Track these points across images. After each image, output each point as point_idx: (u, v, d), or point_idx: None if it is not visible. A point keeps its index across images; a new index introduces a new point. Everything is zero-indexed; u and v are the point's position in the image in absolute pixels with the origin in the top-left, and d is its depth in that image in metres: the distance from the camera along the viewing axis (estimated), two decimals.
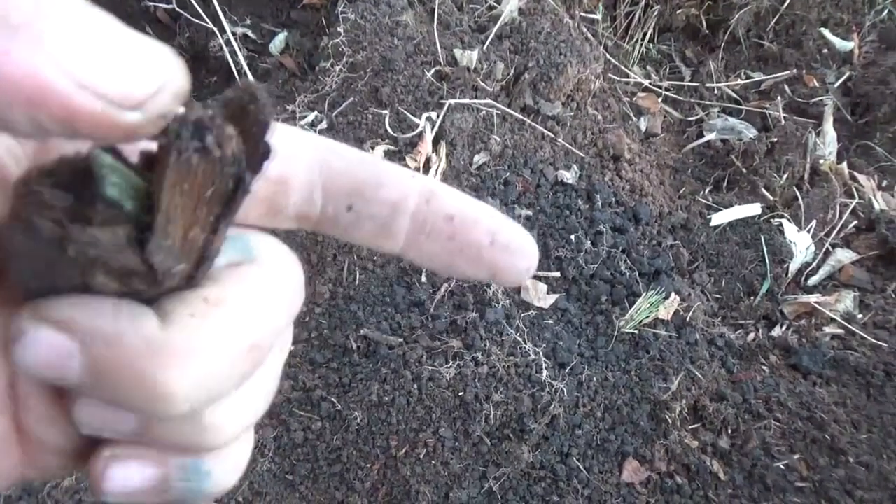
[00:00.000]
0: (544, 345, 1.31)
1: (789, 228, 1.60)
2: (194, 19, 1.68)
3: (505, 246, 0.26)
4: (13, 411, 0.23)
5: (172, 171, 0.19)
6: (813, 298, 1.51)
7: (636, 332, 1.36)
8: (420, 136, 1.46)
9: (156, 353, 0.19)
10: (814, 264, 1.59)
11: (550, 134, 1.56)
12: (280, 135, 0.24)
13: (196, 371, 0.20)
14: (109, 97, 0.17)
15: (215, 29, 1.64)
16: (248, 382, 0.23)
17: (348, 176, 0.26)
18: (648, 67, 2.00)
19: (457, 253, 0.27)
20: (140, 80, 0.17)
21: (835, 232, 1.62)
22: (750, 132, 1.80)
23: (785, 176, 1.67)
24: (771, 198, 1.67)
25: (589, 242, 1.44)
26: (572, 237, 1.44)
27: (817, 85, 1.92)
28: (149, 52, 0.18)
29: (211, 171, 0.19)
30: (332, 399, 1.26)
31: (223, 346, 0.21)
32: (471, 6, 1.72)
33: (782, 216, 1.63)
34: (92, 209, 0.19)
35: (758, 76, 1.97)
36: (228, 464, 0.24)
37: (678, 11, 2.02)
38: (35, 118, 0.16)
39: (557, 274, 1.41)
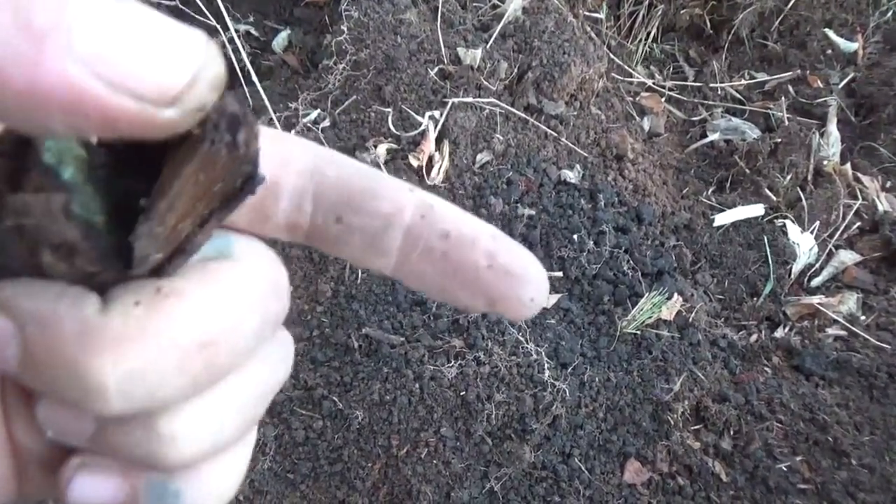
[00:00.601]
0: (546, 345, 1.31)
1: (792, 229, 1.60)
2: (197, 16, 1.67)
3: (505, 270, 0.23)
4: (5, 418, 0.23)
5: (198, 159, 0.18)
6: (816, 300, 1.51)
7: (638, 332, 1.36)
8: (423, 134, 1.46)
9: (88, 338, 0.18)
10: (817, 265, 1.59)
11: (553, 133, 1.56)
12: (273, 139, 0.24)
13: (131, 362, 0.18)
14: (145, 96, 0.16)
15: (218, 26, 1.64)
16: (212, 392, 0.21)
17: (340, 186, 0.24)
18: (652, 67, 2.00)
19: (451, 275, 0.24)
20: (174, 73, 0.16)
21: (838, 233, 1.62)
22: (753, 133, 1.79)
23: (788, 177, 1.67)
24: (774, 199, 1.66)
25: (592, 242, 1.44)
26: (575, 237, 1.43)
27: (821, 86, 1.92)
28: (180, 40, 0.16)
29: (230, 166, 0.19)
30: (334, 398, 1.26)
31: (167, 339, 0.19)
32: (474, 4, 1.72)
33: (786, 217, 1.63)
34: (27, 176, 0.18)
35: (761, 77, 1.97)
36: (203, 488, 0.22)
37: (682, 11, 2.02)
38: (73, 124, 0.16)
39: (560, 274, 1.40)
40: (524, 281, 0.23)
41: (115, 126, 0.16)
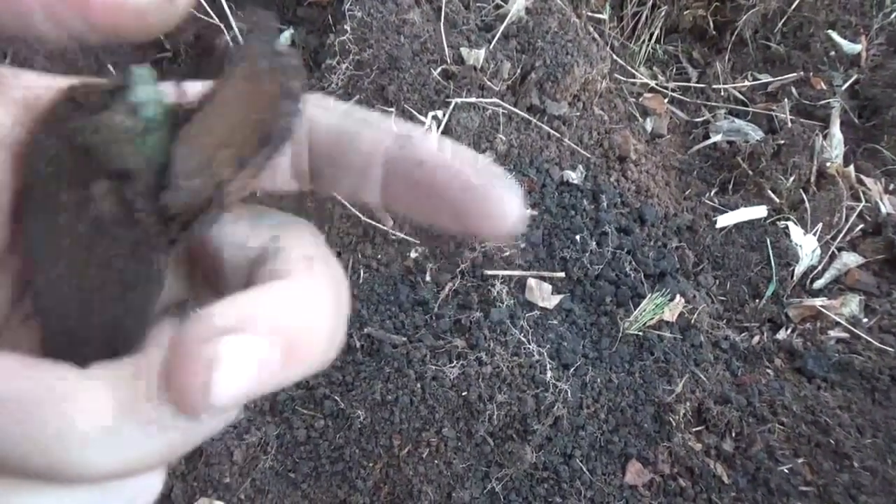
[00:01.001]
0: (548, 345, 1.31)
1: (795, 231, 1.60)
2: (200, 15, 1.67)
3: (479, 190, 0.24)
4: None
5: (241, 72, 0.19)
6: (818, 302, 1.50)
7: (640, 333, 1.36)
8: None
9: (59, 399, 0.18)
10: (819, 267, 1.58)
11: (556, 134, 1.56)
12: None
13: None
14: None
15: (221, 25, 1.64)
16: None
17: (330, 130, 0.26)
18: (655, 68, 2.00)
19: (430, 199, 0.25)
20: None
21: (841, 235, 1.62)
22: (756, 134, 1.79)
23: (791, 178, 1.67)
24: (777, 200, 1.66)
25: (594, 243, 1.43)
26: (577, 238, 1.43)
27: (824, 87, 1.91)
28: None
29: (270, 90, 0.19)
30: (335, 397, 1.26)
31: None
32: (477, 5, 1.72)
33: (788, 219, 1.62)
34: (110, 109, 0.19)
35: (765, 78, 1.96)
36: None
37: (685, 12, 2.01)
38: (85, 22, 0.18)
39: (562, 274, 1.40)
40: (499, 201, 0.24)
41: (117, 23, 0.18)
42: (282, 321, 0.20)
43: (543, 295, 1.37)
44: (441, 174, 0.24)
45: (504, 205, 0.24)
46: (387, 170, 0.25)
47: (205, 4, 1.63)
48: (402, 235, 1.44)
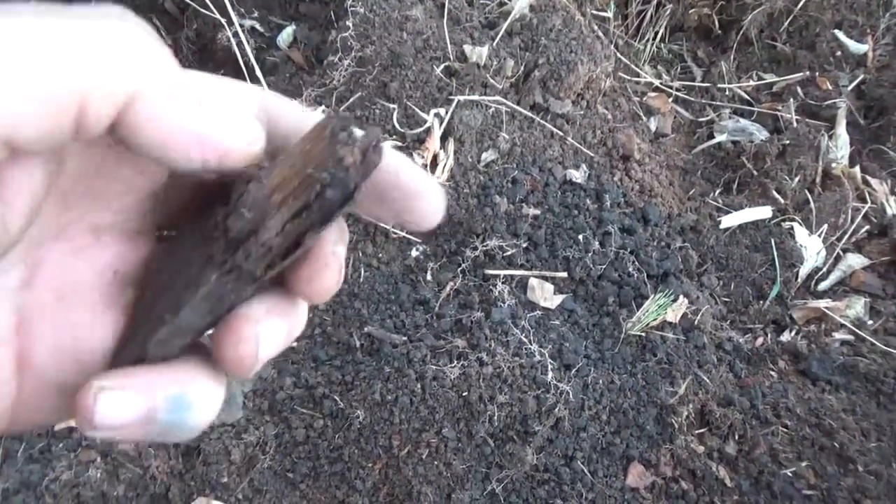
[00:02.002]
0: (550, 346, 1.29)
1: (800, 232, 1.58)
2: (202, 10, 1.66)
3: (406, 187, 0.30)
4: (18, 346, 0.26)
5: (309, 133, 0.26)
6: (823, 304, 1.49)
7: (643, 334, 1.35)
8: (428, 132, 1.44)
9: None
10: (824, 269, 1.57)
11: (560, 132, 1.54)
12: (230, 89, 0.30)
13: None
14: (245, 141, 0.26)
15: (223, 21, 1.62)
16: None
17: (288, 128, 0.30)
18: (659, 67, 1.98)
19: (368, 195, 0.30)
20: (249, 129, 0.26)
21: (846, 236, 1.60)
22: (761, 134, 1.77)
23: (796, 179, 1.65)
24: (782, 201, 1.64)
25: (597, 243, 1.42)
26: (580, 237, 1.42)
27: (830, 87, 1.90)
28: (243, 116, 0.26)
29: (328, 151, 0.25)
30: (335, 397, 1.25)
31: None
32: (481, 2, 1.70)
33: (793, 220, 1.61)
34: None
35: (770, 78, 1.95)
36: (209, 398, 0.26)
37: (690, 11, 2.00)
38: (206, 162, 0.25)
39: (564, 274, 1.39)
40: (420, 195, 0.30)
41: (228, 160, 0.26)
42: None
43: (545, 295, 1.36)
44: (378, 174, 0.29)
45: (427, 199, 0.30)
46: None
47: (207, 0, 1.62)
48: (403, 234, 1.43)
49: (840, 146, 1.71)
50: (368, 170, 0.25)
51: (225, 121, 0.25)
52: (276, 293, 0.28)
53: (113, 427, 0.24)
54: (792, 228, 1.59)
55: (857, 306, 1.49)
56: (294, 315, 0.28)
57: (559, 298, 1.36)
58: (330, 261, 0.27)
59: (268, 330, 0.26)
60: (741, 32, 1.98)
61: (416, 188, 0.30)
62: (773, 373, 1.38)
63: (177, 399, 0.25)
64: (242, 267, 0.25)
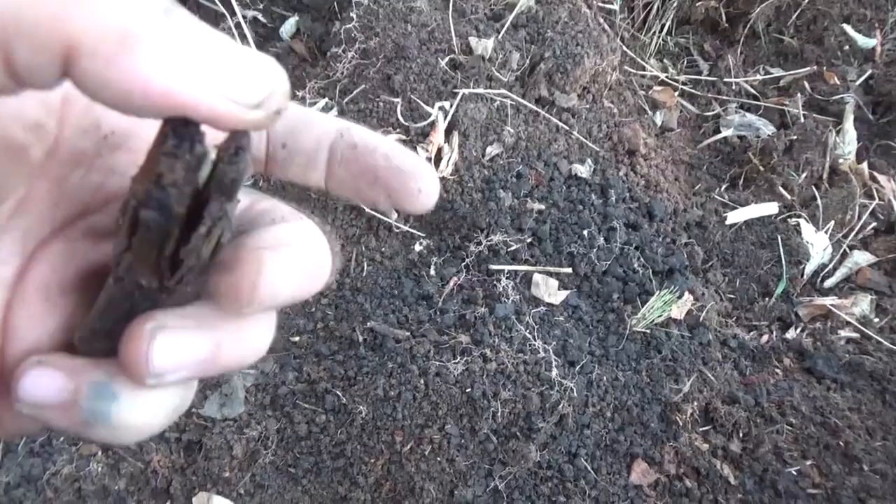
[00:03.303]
0: (554, 342, 1.28)
1: (806, 229, 1.57)
2: (204, 1, 1.65)
3: (398, 168, 0.30)
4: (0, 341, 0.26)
5: (161, 138, 0.23)
6: (829, 301, 1.48)
7: (648, 331, 1.34)
8: (432, 125, 1.43)
9: None
10: (830, 266, 1.56)
11: (565, 126, 1.53)
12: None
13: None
14: (240, 101, 0.22)
15: (225, 12, 1.61)
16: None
17: (285, 121, 0.31)
18: (665, 61, 1.96)
19: (359, 176, 0.31)
20: (259, 86, 0.23)
21: (853, 233, 1.59)
22: (768, 129, 1.76)
23: (803, 175, 1.64)
24: (788, 197, 1.63)
25: (602, 238, 1.41)
26: (585, 233, 1.41)
27: (838, 82, 1.88)
28: (261, 63, 0.23)
29: (149, 166, 0.23)
30: (337, 392, 1.24)
31: None
32: None
33: (800, 216, 1.60)
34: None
35: (777, 72, 1.93)
36: (140, 397, 0.25)
37: (697, 4, 1.98)
38: (194, 117, 0.22)
39: (569, 270, 1.38)
40: (412, 175, 0.30)
41: (217, 122, 0.22)
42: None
43: (550, 290, 1.35)
44: (370, 155, 0.31)
45: (419, 180, 0.30)
46: (330, 153, 0.31)
47: None
48: (407, 228, 1.42)
49: (847, 142, 1.70)
50: (222, 186, 0.23)
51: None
52: (207, 304, 0.26)
53: (35, 403, 0.25)
54: (798, 225, 1.58)
55: (863, 304, 1.48)
56: (223, 329, 0.26)
57: (563, 294, 1.35)
58: (240, 267, 0.25)
59: (172, 335, 0.24)
60: (748, 26, 1.96)
61: (409, 169, 0.30)
62: (778, 370, 1.38)
63: (101, 387, 0.25)
64: (124, 277, 0.24)
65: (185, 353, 0.25)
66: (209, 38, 0.21)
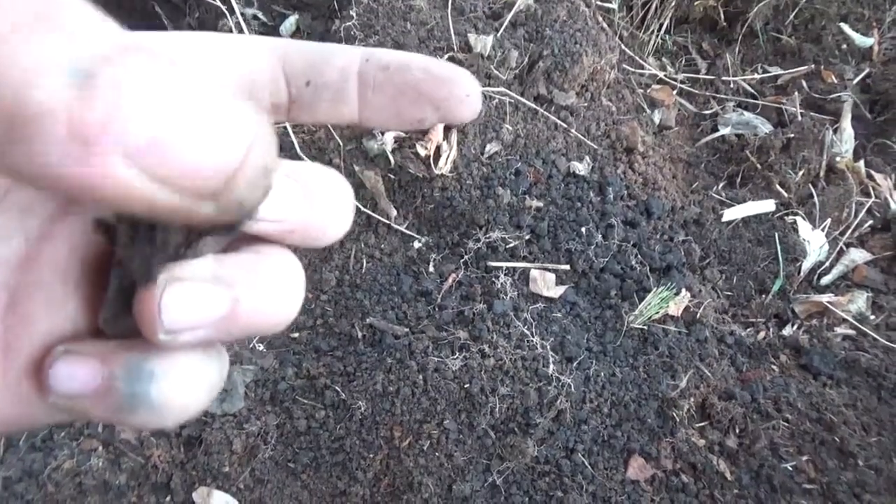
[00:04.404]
0: (552, 338, 1.29)
1: (803, 226, 1.58)
2: None
3: (439, 77, 0.29)
4: (4, 327, 0.24)
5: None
6: (825, 298, 1.49)
7: (645, 327, 1.34)
8: None
9: None
10: (827, 263, 1.57)
11: (563, 124, 1.54)
12: (241, 42, 0.29)
13: None
14: (187, 191, 0.17)
15: (225, 9, 1.61)
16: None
17: (303, 58, 0.30)
18: (664, 59, 1.97)
19: (399, 97, 0.30)
20: (212, 169, 0.17)
21: (849, 231, 1.60)
22: (765, 127, 1.77)
23: (800, 173, 1.64)
24: (785, 195, 1.64)
25: (600, 235, 1.42)
26: (583, 230, 1.41)
27: (835, 81, 1.89)
28: (226, 127, 0.17)
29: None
30: (336, 388, 1.25)
31: None
32: None
33: (796, 214, 1.60)
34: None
35: (775, 71, 1.94)
36: (177, 372, 0.23)
37: (695, 3, 1.98)
38: (122, 209, 0.17)
39: (567, 267, 1.39)
40: (456, 82, 0.29)
41: (157, 214, 0.17)
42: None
43: (548, 287, 1.36)
44: (405, 72, 0.29)
45: (465, 85, 0.29)
46: (360, 81, 0.30)
47: None
48: (404, 230, 1.43)
49: (844, 140, 1.71)
50: None
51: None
52: (226, 258, 0.24)
53: (70, 394, 0.23)
54: (795, 222, 1.58)
55: (859, 301, 1.48)
56: (242, 285, 0.24)
57: (561, 291, 1.36)
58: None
59: (185, 286, 0.22)
60: (746, 25, 1.97)
61: (452, 76, 0.29)
62: (774, 367, 1.38)
63: (137, 367, 0.23)
64: (123, 262, 0.23)
65: (201, 308, 0.22)
66: (143, 94, 0.16)
